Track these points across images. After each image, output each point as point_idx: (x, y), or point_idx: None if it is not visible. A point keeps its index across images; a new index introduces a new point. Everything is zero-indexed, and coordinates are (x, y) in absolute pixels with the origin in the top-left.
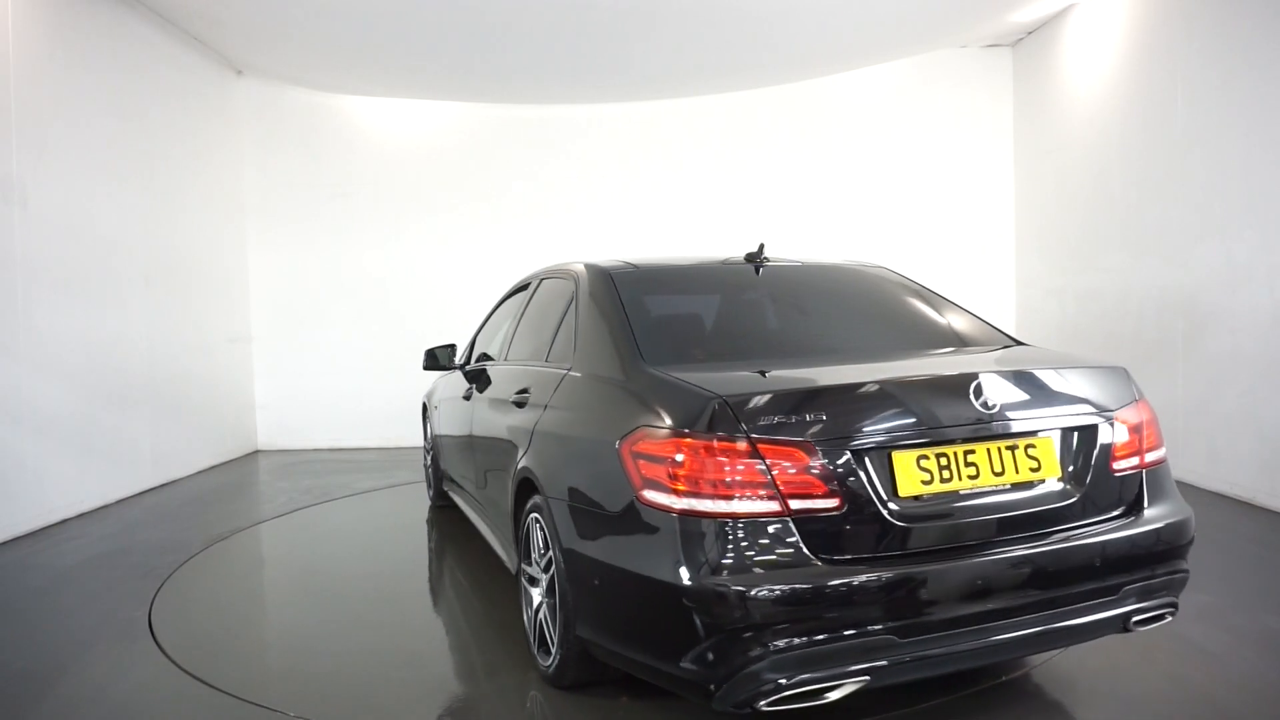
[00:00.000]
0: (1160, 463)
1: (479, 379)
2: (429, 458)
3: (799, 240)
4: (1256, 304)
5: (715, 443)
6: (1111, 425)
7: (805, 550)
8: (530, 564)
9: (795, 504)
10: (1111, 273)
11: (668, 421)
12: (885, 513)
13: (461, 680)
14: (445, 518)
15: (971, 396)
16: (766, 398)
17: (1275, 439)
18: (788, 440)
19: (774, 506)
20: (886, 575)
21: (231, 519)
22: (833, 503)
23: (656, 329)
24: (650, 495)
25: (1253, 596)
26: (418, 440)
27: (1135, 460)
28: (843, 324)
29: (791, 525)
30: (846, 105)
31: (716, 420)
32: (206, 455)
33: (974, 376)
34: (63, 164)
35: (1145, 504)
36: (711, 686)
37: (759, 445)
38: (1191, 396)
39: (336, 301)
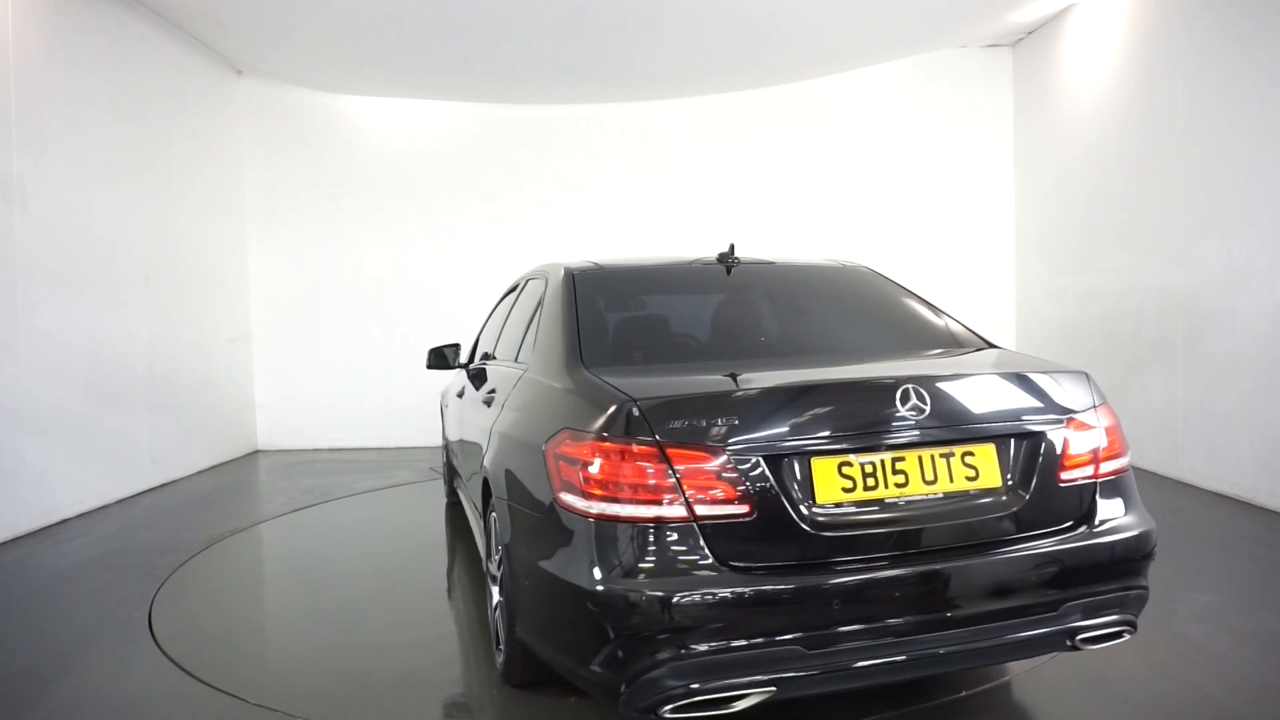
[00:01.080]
0: (1120, 472)
1: (474, 378)
2: (445, 454)
3: (799, 240)
4: (1256, 304)
5: (624, 447)
6: (1061, 433)
7: (710, 557)
8: (492, 562)
9: (702, 510)
10: (1111, 273)
11: (583, 424)
12: (799, 521)
13: (461, 679)
14: (452, 515)
15: (898, 402)
16: (677, 402)
17: (1275, 439)
18: (696, 445)
19: (680, 512)
20: (795, 585)
21: (231, 519)
22: (742, 509)
23: (604, 330)
24: (565, 497)
25: (1253, 596)
26: (418, 440)
27: (1088, 470)
28: (804, 325)
29: (697, 531)
30: (846, 105)
31: (626, 424)
32: (206, 455)
33: (901, 382)
34: (63, 164)
35: (1096, 516)
36: (618, 690)
37: (667, 450)
38: (1191, 396)
39: (336, 301)
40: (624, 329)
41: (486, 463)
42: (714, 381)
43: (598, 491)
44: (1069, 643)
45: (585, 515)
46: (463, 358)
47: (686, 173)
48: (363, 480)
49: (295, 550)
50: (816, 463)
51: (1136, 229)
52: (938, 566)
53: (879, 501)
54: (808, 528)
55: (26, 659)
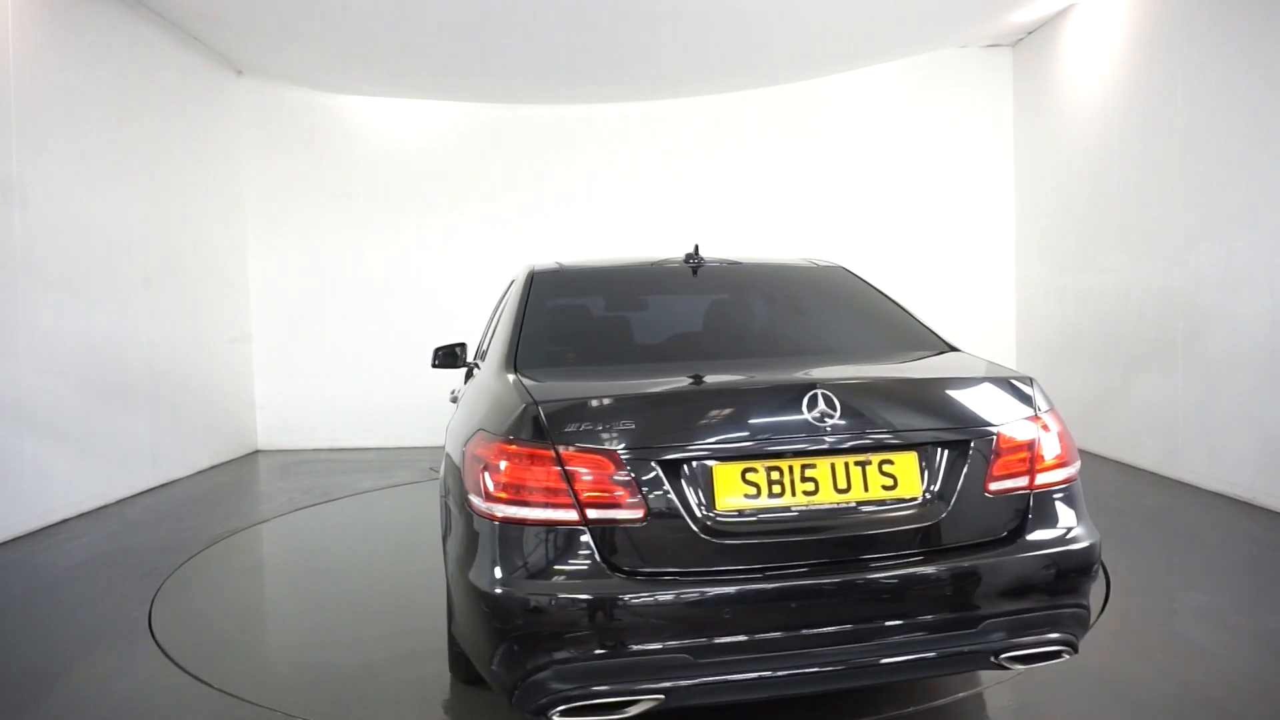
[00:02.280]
0: (1062, 484)
1: (466, 377)
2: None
3: (799, 240)
4: (1256, 304)
5: (522, 449)
6: (991, 442)
7: (600, 561)
8: None
9: (593, 514)
10: (1111, 273)
11: (492, 426)
12: (695, 527)
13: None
14: None
15: (804, 408)
16: (574, 405)
17: (1275, 439)
18: (591, 449)
19: (571, 515)
20: (683, 592)
21: (231, 519)
22: (635, 514)
23: (546, 331)
24: (472, 498)
25: (1253, 596)
26: (418, 440)
27: (1021, 481)
28: (757, 327)
29: (587, 535)
30: (846, 105)
31: (525, 427)
32: (206, 455)
33: (809, 387)
34: (63, 164)
35: (1027, 529)
36: (512, 690)
37: (562, 453)
38: (1191, 396)
39: (336, 301)
40: (567, 330)
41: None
42: (616, 385)
43: (498, 494)
44: (994, 660)
45: (487, 517)
46: (470, 356)
47: (686, 172)
48: (363, 480)
49: (295, 550)
50: (718, 468)
51: (1136, 229)
52: (842, 578)
53: (785, 509)
54: (704, 534)
55: (27, 659)
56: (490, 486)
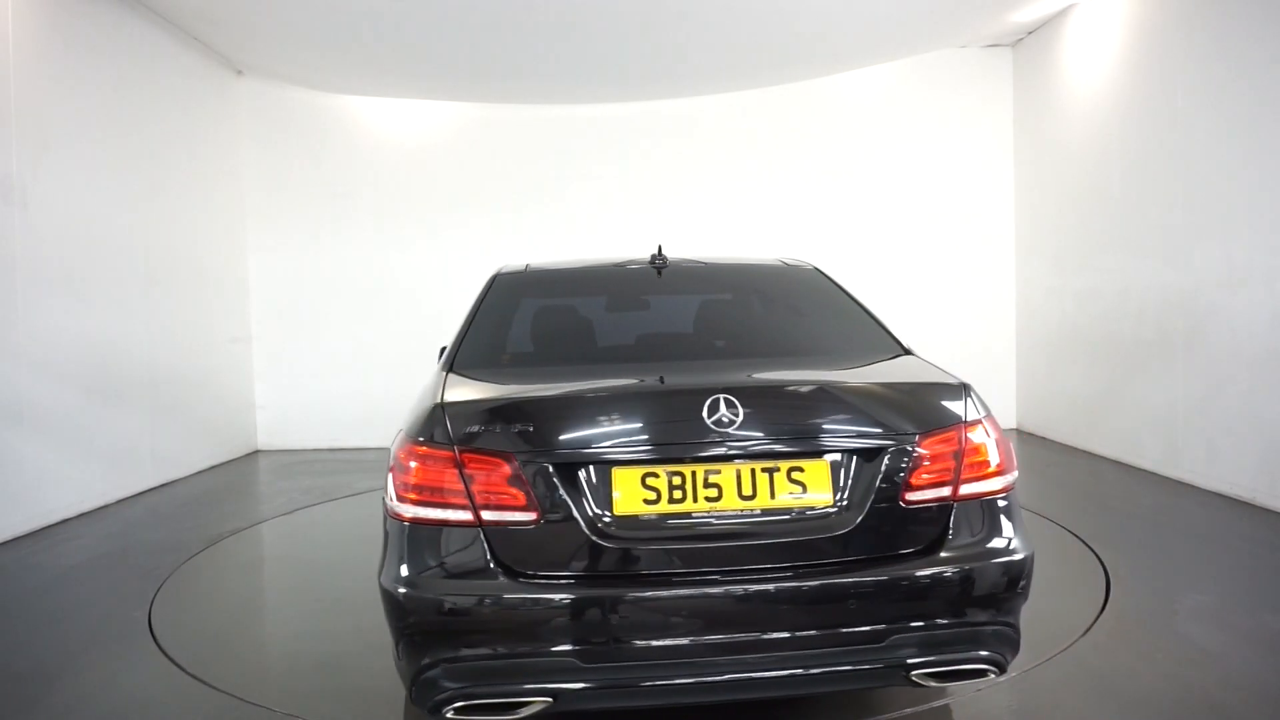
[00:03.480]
0: (992, 494)
1: None
2: None
3: (799, 240)
4: (1256, 304)
5: (426, 450)
6: (910, 450)
7: (492, 562)
8: None
9: (488, 515)
10: (1111, 273)
11: (408, 427)
12: (589, 531)
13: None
14: None
15: (705, 414)
16: (475, 407)
17: (1275, 439)
18: (488, 450)
19: (466, 516)
20: (572, 596)
21: (231, 519)
22: (529, 516)
23: (495, 332)
24: (388, 498)
25: (1253, 596)
26: None
27: (943, 491)
28: (710, 329)
29: (482, 536)
30: (846, 105)
31: (431, 428)
32: (206, 455)
33: (711, 392)
34: (63, 164)
35: (947, 542)
36: (410, 687)
37: (462, 454)
38: (1191, 396)
39: (336, 302)
40: (515, 331)
41: None
42: (521, 387)
43: (404, 494)
44: (907, 677)
45: (395, 516)
46: None
47: (686, 173)
48: (363, 480)
49: (295, 550)
50: (618, 473)
51: (1136, 229)
52: (740, 587)
53: (685, 515)
54: (598, 539)
55: (26, 659)
56: (399, 486)
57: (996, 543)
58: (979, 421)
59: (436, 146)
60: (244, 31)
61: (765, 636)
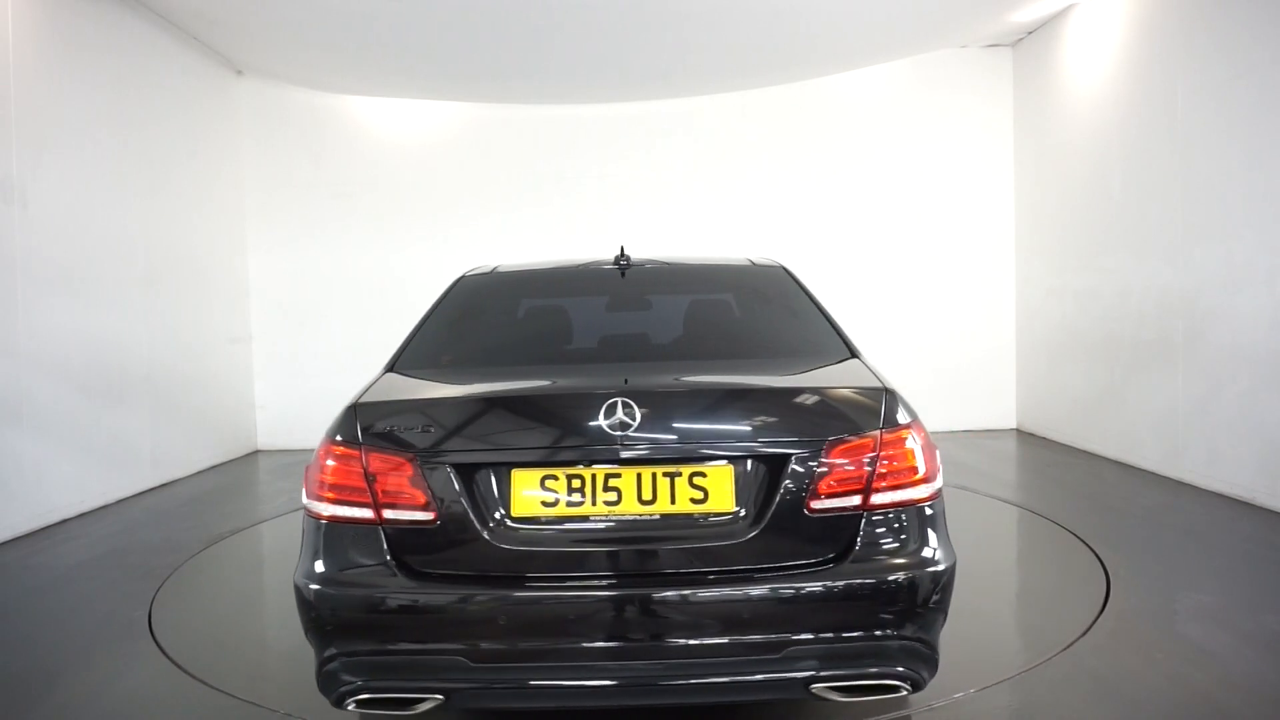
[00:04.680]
0: (909, 504)
1: None
2: None
3: (798, 240)
4: (1256, 304)
5: (337, 449)
6: (817, 457)
7: (390, 561)
8: None
9: (389, 514)
10: (1111, 273)
11: (330, 426)
12: (484, 531)
13: None
14: None
15: (602, 417)
16: (382, 407)
17: (1275, 439)
18: (392, 450)
19: (369, 514)
20: (461, 595)
21: (231, 519)
22: (427, 516)
23: (445, 333)
24: (302, 495)
25: (1253, 596)
26: None
27: (852, 500)
28: (657, 331)
29: (381, 534)
30: (846, 105)
31: (344, 427)
32: (206, 455)
33: (609, 396)
34: (63, 164)
35: (854, 552)
36: (316, 679)
37: (368, 454)
38: (1191, 396)
39: (336, 301)
40: (460, 333)
41: None
42: (435, 387)
43: (317, 492)
44: (809, 690)
45: (307, 513)
46: None
47: (685, 173)
48: None
49: (295, 550)
50: (517, 474)
51: (1136, 229)
52: (635, 591)
53: (583, 518)
54: (492, 540)
55: (26, 659)
56: (312, 484)
57: (910, 555)
58: (900, 428)
59: (436, 146)
60: (244, 31)
61: (658, 643)
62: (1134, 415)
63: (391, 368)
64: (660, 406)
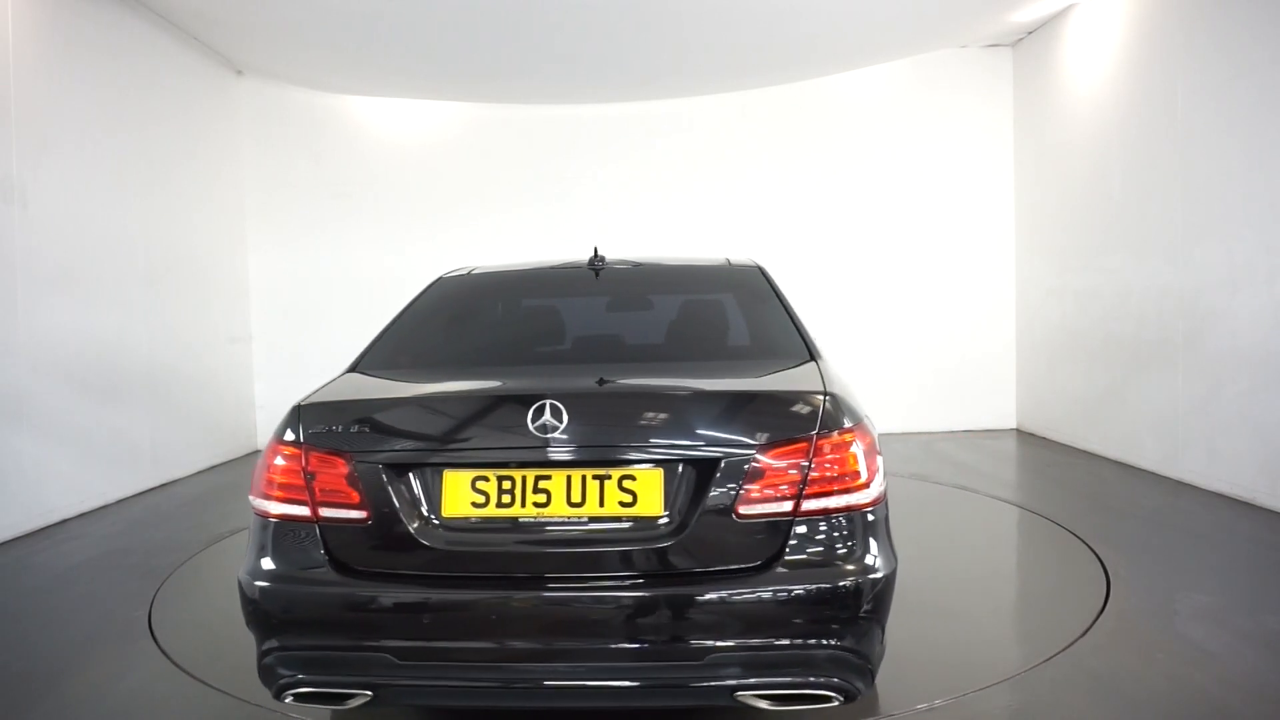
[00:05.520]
0: (844, 510)
1: None
2: None
3: (797, 240)
4: (1256, 304)
5: (280, 447)
6: (746, 462)
7: (325, 558)
8: None
9: (325, 512)
10: (1111, 273)
11: (277, 425)
12: (413, 531)
13: None
14: None
15: (530, 419)
16: (322, 407)
17: (1275, 439)
18: (328, 449)
19: (306, 512)
20: (391, 594)
21: (231, 519)
22: (361, 514)
23: (409, 334)
24: (250, 491)
25: (1253, 596)
26: None
27: (783, 506)
28: (618, 332)
29: (317, 532)
30: (846, 105)
31: (288, 426)
32: (206, 455)
33: (536, 398)
34: (63, 164)
35: (783, 559)
36: (257, 672)
37: (308, 453)
38: (1191, 396)
39: (337, 301)
40: (426, 334)
41: None
42: (374, 389)
43: (262, 489)
44: (735, 698)
45: (253, 510)
46: None
47: (684, 173)
48: None
49: None
50: (449, 475)
51: (1136, 229)
52: (560, 594)
53: (511, 520)
54: (422, 539)
55: (26, 659)
56: (258, 482)
57: (842, 562)
58: (838, 433)
59: (436, 146)
60: (244, 31)
61: (582, 646)
62: (1134, 415)
63: (354, 368)
64: (588, 409)
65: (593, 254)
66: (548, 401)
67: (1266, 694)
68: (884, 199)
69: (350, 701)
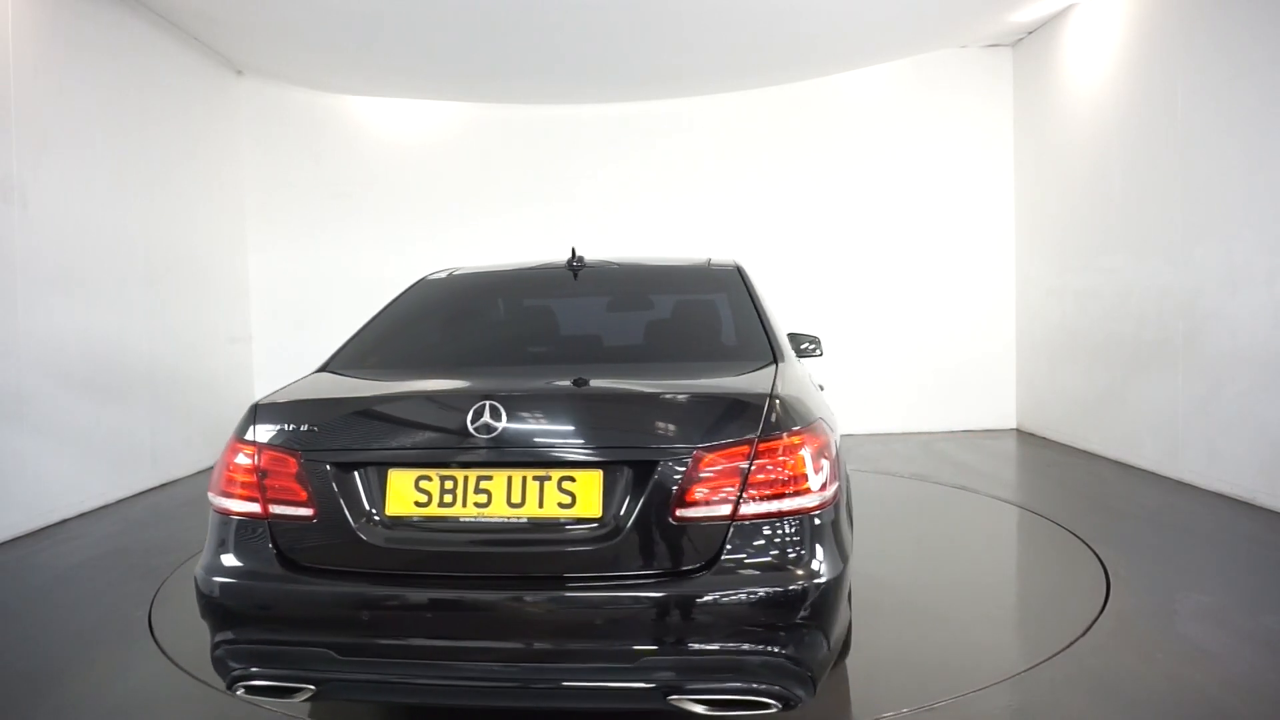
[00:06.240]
0: (786, 514)
1: None
2: None
3: (797, 241)
4: (1256, 304)
5: (238, 445)
6: (684, 464)
7: (273, 554)
8: None
9: (275, 509)
10: (1111, 273)
11: (237, 424)
12: (357, 529)
13: None
14: None
15: (469, 419)
16: (276, 406)
17: (1275, 439)
18: (280, 448)
19: (256, 509)
20: (332, 590)
21: None
22: (308, 512)
23: (381, 334)
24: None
25: (1253, 596)
26: None
27: (720, 509)
28: (587, 333)
29: (267, 529)
30: (846, 105)
31: (244, 425)
32: (206, 455)
33: (479, 398)
34: (63, 164)
35: (718, 563)
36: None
37: (261, 451)
38: (1191, 397)
39: (336, 301)
40: (395, 335)
41: None
42: (333, 388)
43: (219, 486)
44: (670, 701)
45: (211, 506)
46: None
47: (684, 173)
48: None
49: None
50: (393, 474)
51: (1136, 229)
52: (497, 594)
53: (452, 520)
54: (365, 537)
55: (26, 659)
56: (215, 479)
57: (780, 568)
58: (786, 435)
59: (436, 146)
60: (244, 31)
61: (515, 646)
62: (1134, 415)
63: (324, 367)
64: (528, 410)
65: (570, 254)
66: (487, 402)
67: (1266, 694)
68: (884, 199)
69: (296, 695)
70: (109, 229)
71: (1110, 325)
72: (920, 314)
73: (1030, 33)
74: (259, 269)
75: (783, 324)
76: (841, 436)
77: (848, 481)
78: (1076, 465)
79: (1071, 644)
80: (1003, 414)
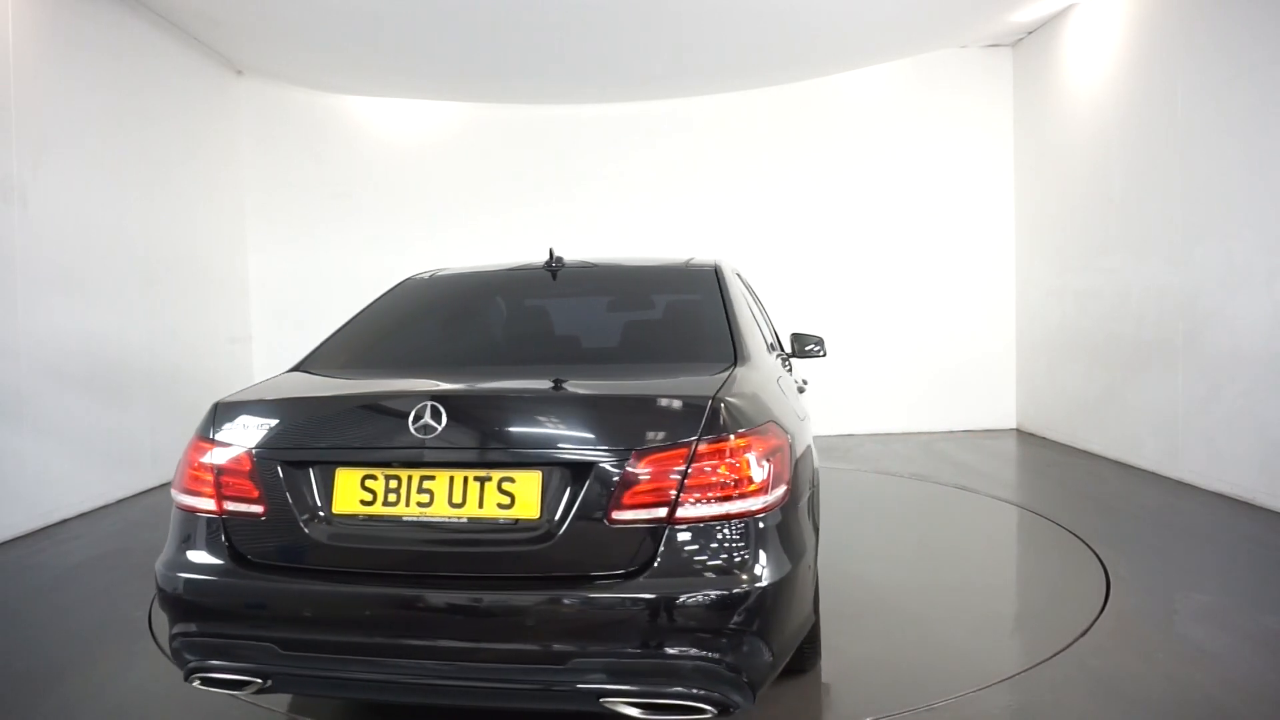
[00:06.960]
0: (727, 518)
1: None
2: None
3: (797, 241)
4: (1256, 305)
5: (199, 443)
6: (621, 467)
7: (226, 550)
8: None
9: (229, 506)
10: (1111, 273)
11: (199, 421)
12: (303, 527)
13: None
14: None
15: (411, 420)
16: (233, 405)
17: (1275, 439)
18: (233, 446)
19: (211, 505)
20: (277, 586)
21: None
22: (258, 509)
23: (357, 334)
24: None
25: (1253, 596)
26: None
27: (656, 512)
28: (559, 333)
29: (221, 525)
30: (846, 105)
31: (206, 423)
32: None
33: (420, 399)
34: (63, 164)
35: (653, 566)
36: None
37: (219, 449)
38: (1191, 396)
39: (336, 302)
40: (370, 335)
41: None
42: (295, 388)
43: (180, 483)
44: (602, 703)
45: (173, 503)
46: None
47: (684, 173)
48: None
49: None
50: (340, 473)
51: (1136, 229)
52: (433, 593)
53: (396, 519)
54: (311, 534)
55: (26, 659)
56: (177, 475)
57: (716, 571)
58: (731, 437)
59: (436, 146)
60: (244, 31)
61: (451, 644)
62: (1134, 415)
63: (297, 366)
64: (468, 411)
65: (549, 255)
66: (428, 403)
67: (1266, 694)
68: (884, 199)
69: (247, 688)
70: (109, 229)
71: (1110, 325)
72: (920, 314)
73: (1030, 33)
74: (259, 269)
75: (784, 324)
76: (814, 437)
77: (815, 484)
78: (1076, 465)
79: (1071, 644)
80: (1003, 414)
